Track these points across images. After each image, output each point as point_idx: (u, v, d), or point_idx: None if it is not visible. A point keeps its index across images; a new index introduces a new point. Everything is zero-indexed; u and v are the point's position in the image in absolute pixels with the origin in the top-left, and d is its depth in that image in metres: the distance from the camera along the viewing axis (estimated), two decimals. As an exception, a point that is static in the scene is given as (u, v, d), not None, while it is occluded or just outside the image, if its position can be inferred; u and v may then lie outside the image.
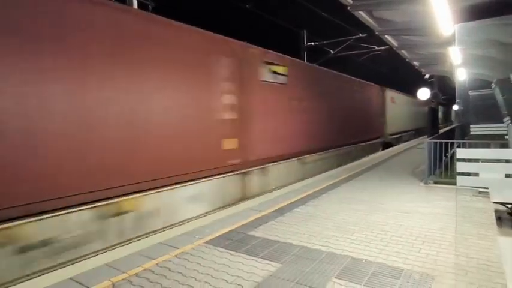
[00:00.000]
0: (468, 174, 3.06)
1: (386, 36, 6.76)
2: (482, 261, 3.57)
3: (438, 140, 7.81)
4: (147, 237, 4.91)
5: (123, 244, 4.94)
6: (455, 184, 7.34)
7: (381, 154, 14.68)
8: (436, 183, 7.67)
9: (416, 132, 27.40)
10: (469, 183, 3.05)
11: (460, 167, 2.92)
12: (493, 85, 3.59)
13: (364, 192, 7.01)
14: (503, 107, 3.51)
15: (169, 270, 3.54)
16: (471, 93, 6.88)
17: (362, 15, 6.41)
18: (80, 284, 3.26)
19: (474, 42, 3.76)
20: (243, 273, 3.42)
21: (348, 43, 17.35)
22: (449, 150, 8.58)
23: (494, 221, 4.90)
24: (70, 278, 3.37)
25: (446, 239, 4.23)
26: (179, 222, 6.01)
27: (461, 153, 3.05)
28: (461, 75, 7.08)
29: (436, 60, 8.58)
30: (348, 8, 6.01)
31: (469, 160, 3.01)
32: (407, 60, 9.07)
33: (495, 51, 4.03)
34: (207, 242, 4.31)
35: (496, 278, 3.18)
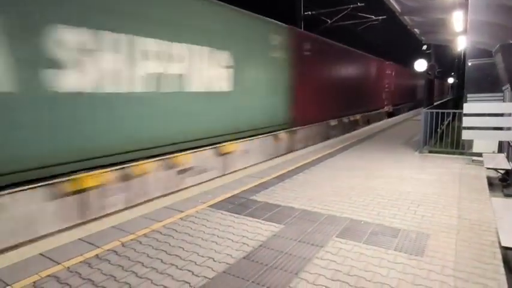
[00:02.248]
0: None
1: (391, 0, 6.67)
2: (474, 222, 3.76)
3: (434, 110, 7.91)
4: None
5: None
6: (449, 153, 7.54)
7: (376, 126, 14.81)
8: (430, 152, 7.86)
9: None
10: (474, 136, 3.20)
11: (466, 121, 3.04)
12: (494, 53, 3.60)
13: (360, 160, 7.17)
14: (504, 74, 3.53)
15: (176, 231, 3.67)
16: (470, 62, 6.89)
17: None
18: (91, 244, 3.38)
19: (479, 6, 3.75)
20: (247, 233, 3.57)
21: (345, 12, 17.01)
22: (445, 121, 8.72)
23: (487, 186, 5.10)
24: (80, 239, 3.48)
25: (440, 203, 4.41)
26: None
27: (467, 107, 3.16)
28: (462, 44, 7.07)
29: (438, 28, 8.51)
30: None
31: (476, 115, 3.14)
32: (408, 27, 8.99)
33: (500, 16, 4.03)
34: (210, 206, 4.43)
35: (485, 236, 3.38)
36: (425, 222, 3.79)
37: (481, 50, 6.41)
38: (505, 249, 2.49)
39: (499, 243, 2.51)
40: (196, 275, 2.76)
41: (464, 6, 3.97)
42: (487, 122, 3.09)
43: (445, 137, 8.05)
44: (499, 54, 3.48)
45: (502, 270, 2.76)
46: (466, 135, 3.02)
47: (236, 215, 4.10)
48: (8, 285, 2.66)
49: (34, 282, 2.70)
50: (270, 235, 3.51)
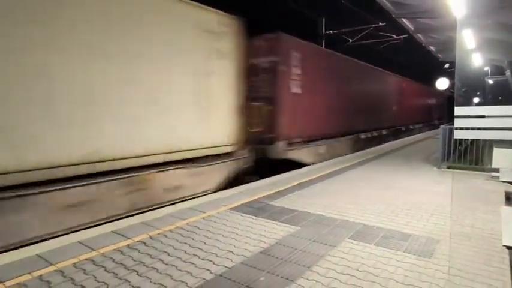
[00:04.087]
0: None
1: (403, 19, 6.91)
2: (486, 231, 3.85)
3: (453, 126, 7.95)
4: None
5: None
6: (468, 169, 7.53)
7: (397, 142, 14.76)
8: (449, 168, 7.86)
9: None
10: (464, 135, 3.36)
11: (458, 122, 3.23)
12: (504, 69, 3.71)
13: (378, 173, 7.28)
14: None
15: (199, 228, 3.96)
16: (488, 79, 6.94)
17: (380, -2, 6.61)
18: (122, 235, 3.72)
19: (484, 25, 3.93)
20: (265, 232, 3.81)
21: (366, 31, 17.31)
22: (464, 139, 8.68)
23: (504, 199, 5.13)
24: (112, 231, 3.84)
25: (454, 213, 4.50)
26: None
27: (458, 110, 3.36)
28: (477, 61, 7.13)
29: (452, 45, 8.65)
30: (368, -9, 6.25)
31: (468, 117, 3.34)
32: (423, 44, 9.18)
33: (506, 34, 4.20)
34: (230, 209, 4.71)
35: (496, 243, 3.47)
36: (437, 229, 3.91)
37: (499, 67, 6.51)
38: (507, 248, 2.62)
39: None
40: (217, 265, 3.02)
41: (471, 25, 4.18)
42: (476, 123, 3.29)
43: (463, 154, 8.03)
44: (508, 70, 3.66)
45: (508, 272, 2.88)
46: (457, 134, 3.21)
47: (255, 217, 4.36)
48: (51, 264, 3.02)
49: (74, 263, 3.05)
50: (286, 235, 3.74)
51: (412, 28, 7.58)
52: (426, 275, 2.82)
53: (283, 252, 3.27)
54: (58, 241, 3.54)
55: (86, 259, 3.14)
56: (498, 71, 7.50)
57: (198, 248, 3.40)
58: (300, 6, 16.43)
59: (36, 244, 3.50)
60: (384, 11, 7.04)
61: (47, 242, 3.55)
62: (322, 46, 16.45)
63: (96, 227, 3.99)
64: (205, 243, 3.53)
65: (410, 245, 3.43)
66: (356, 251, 3.31)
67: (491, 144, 7.52)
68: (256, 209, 4.72)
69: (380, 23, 17.19)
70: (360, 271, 2.90)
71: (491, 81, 7.60)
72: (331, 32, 17.68)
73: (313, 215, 4.45)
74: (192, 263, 3.06)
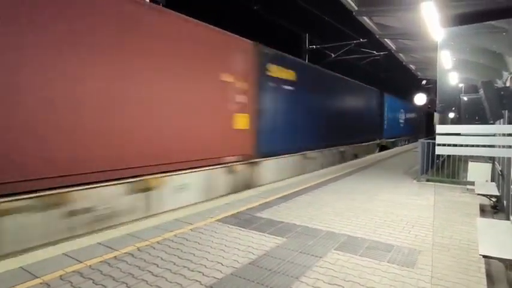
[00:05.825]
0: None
1: (386, 39, 7.31)
2: (464, 242, 4.04)
3: (431, 141, 8.29)
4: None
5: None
6: (446, 182, 7.84)
7: (378, 155, 15.15)
8: (428, 181, 8.16)
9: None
10: (445, 151, 3.59)
11: (439, 139, 3.47)
12: (478, 88, 3.99)
13: (360, 185, 7.47)
14: (487, 107, 3.89)
15: (187, 240, 3.96)
16: (464, 97, 7.34)
17: (365, 20, 7.00)
18: (109, 247, 3.68)
19: (461, 48, 4.25)
20: (252, 244, 3.86)
21: (348, 47, 17.86)
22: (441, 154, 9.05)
23: (479, 211, 5.38)
24: (98, 243, 3.79)
25: (434, 225, 4.69)
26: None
27: (439, 128, 3.60)
28: (453, 80, 7.62)
29: (430, 65, 9.18)
30: (353, 13, 6.58)
31: (449, 134, 3.59)
32: (404, 63, 9.67)
33: (481, 57, 4.53)
34: (217, 221, 4.74)
35: (473, 253, 3.64)
36: (418, 240, 4.07)
37: (474, 86, 6.92)
38: (483, 257, 2.78)
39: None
40: (207, 276, 3.05)
41: (450, 47, 4.51)
42: (454, 140, 3.55)
43: (441, 167, 8.37)
44: (481, 90, 3.93)
45: (484, 281, 3.04)
46: (438, 150, 3.47)
47: (242, 229, 4.40)
48: (36, 277, 2.96)
49: (60, 275, 3.00)
50: (273, 246, 3.80)
51: (394, 48, 8.02)
52: (409, 284, 2.94)
53: (272, 264, 3.33)
54: (42, 253, 3.47)
55: (72, 271, 3.09)
56: (472, 89, 7.95)
57: (187, 259, 3.41)
58: (284, 21, 16.82)
59: (19, 256, 3.42)
60: (368, 31, 7.45)
61: (30, 254, 3.47)
62: (306, 60, 16.85)
63: (81, 239, 3.94)
64: (194, 254, 3.54)
65: (394, 256, 3.56)
66: (342, 261, 3.40)
67: (466, 158, 7.89)
68: (243, 220, 4.77)
69: (361, 39, 17.79)
70: (346, 281, 2.99)
71: (465, 98, 8.01)
72: (314, 47, 18.14)
73: (300, 226, 4.53)
74: (182, 275, 3.07)
